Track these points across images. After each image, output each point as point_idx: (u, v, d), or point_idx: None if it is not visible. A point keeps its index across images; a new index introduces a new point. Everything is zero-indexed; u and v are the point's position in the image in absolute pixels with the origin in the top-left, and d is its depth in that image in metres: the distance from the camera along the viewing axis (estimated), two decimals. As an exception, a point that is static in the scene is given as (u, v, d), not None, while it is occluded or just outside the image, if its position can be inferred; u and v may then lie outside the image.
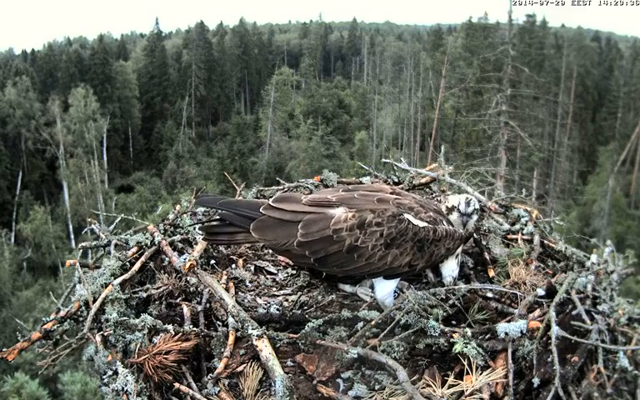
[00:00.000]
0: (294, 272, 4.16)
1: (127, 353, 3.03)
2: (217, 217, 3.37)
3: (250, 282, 4.09)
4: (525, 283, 3.68)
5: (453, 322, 3.36)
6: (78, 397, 17.77)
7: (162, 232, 4.17)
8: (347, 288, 3.72)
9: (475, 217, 3.64)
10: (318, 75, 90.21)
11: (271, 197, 4.95)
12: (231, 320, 3.22)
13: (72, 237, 50.85)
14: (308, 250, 3.15)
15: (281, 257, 4.25)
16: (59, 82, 68.33)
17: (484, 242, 4.14)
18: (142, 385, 2.86)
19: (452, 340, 3.01)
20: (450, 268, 3.65)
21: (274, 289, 4.06)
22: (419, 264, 3.31)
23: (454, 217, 3.61)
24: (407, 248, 3.23)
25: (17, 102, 58.36)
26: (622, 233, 41.47)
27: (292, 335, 3.15)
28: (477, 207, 3.71)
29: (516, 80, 33.67)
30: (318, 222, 3.15)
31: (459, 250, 3.62)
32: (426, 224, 3.29)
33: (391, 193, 3.46)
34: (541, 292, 3.46)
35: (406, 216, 3.24)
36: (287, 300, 3.85)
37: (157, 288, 3.68)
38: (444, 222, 3.41)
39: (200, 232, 3.43)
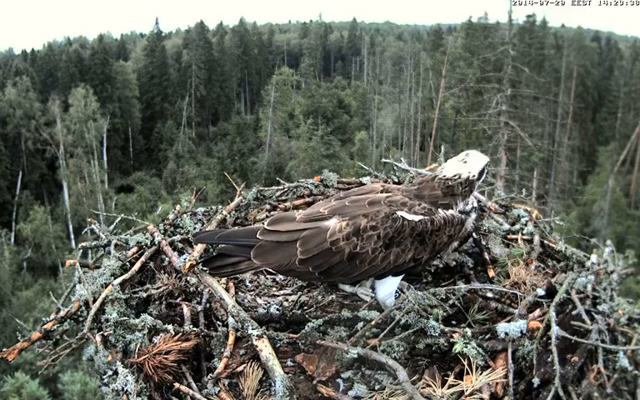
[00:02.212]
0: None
1: (127, 353, 3.03)
2: (217, 252, 3.38)
3: (250, 282, 4.09)
4: (525, 283, 3.68)
5: (453, 322, 3.36)
6: (78, 397, 17.78)
7: (162, 232, 4.17)
8: (347, 288, 3.72)
9: (474, 216, 3.64)
10: (318, 75, 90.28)
11: (270, 197, 4.99)
12: (231, 320, 3.22)
13: (72, 237, 50.87)
14: (311, 266, 3.16)
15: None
16: (59, 82, 68.35)
17: (484, 242, 4.14)
18: (142, 385, 2.86)
19: (452, 340, 3.01)
20: (470, 221, 3.62)
21: (274, 289, 4.06)
22: (424, 256, 3.31)
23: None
24: (408, 244, 3.23)
25: (17, 102, 58.40)
26: (622, 233, 41.49)
27: (292, 335, 3.15)
28: (476, 205, 3.71)
29: (516, 80, 33.70)
30: (315, 238, 3.16)
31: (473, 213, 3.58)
32: (421, 217, 3.28)
33: (381, 191, 3.46)
34: (541, 292, 3.45)
35: (399, 213, 3.24)
36: (287, 300, 3.85)
37: (157, 288, 3.68)
38: (440, 210, 3.40)
39: (204, 268, 3.47)
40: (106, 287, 3.52)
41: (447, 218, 3.36)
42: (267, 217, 4.69)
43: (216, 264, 3.34)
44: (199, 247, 3.89)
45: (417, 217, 3.26)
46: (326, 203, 3.42)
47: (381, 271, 3.25)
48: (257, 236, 3.22)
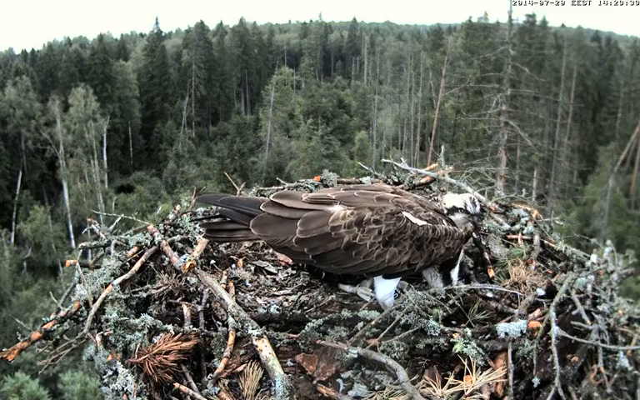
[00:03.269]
0: (294, 272, 4.16)
1: (127, 353, 3.03)
2: (218, 214, 3.36)
3: (250, 282, 4.09)
4: (525, 283, 3.68)
5: (453, 322, 3.36)
6: (78, 397, 17.79)
7: (162, 232, 4.17)
8: (347, 288, 3.72)
9: (484, 215, 3.65)
10: (318, 75, 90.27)
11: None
12: (231, 320, 3.22)
13: (72, 237, 50.85)
14: (307, 247, 3.15)
15: (280, 256, 4.25)
16: (59, 82, 68.31)
17: (484, 242, 4.14)
18: (142, 385, 2.86)
19: (452, 340, 3.01)
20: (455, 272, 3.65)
21: (274, 289, 4.06)
22: (418, 263, 3.30)
23: (459, 217, 3.62)
24: (406, 247, 3.23)
25: (17, 102, 58.35)
26: (622, 233, 41.45)
27: (292, 335, 3.15)
28: (478, 211, 3.71)
29: (516, 80, 33.65)
30: (317, 220, 3.16)
31: (461, 254, 3.61)
32: (425, 223, 3.28)
33: (391, 193, 3.46)
34: (541, 292, 3.46)
35: (405, 214, 3.24)
36: (287, 300, 3.85)
37: (157, 288, 3.68)
38: (444, 222, 3.41)
39: (201, 230, 3.41)
40: (106, 287, 3.52)
41: (448, 230, 3.37)
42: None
43: (213, 227, 3.32)
44: (199, 247, 3.90)
45: (420, 222, 3.26)
46: (334, 190, 3.42)
47: (374, 268, 3.23)
48: (261, 207, 3.22)
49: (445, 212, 3.59)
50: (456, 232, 3.43)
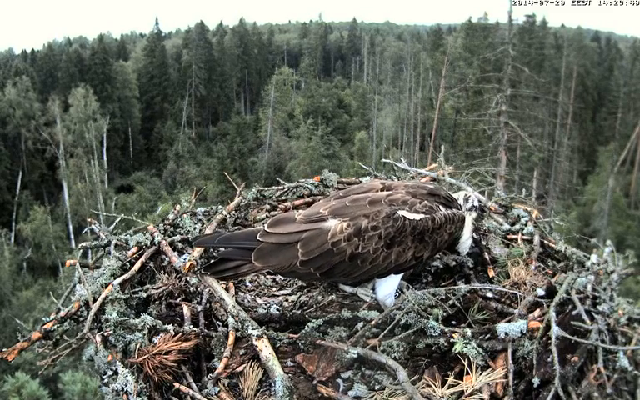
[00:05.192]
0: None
1: (127, 353, 3.03)
2: (219, 258, 3.34)
3: (250, 282, 4.09)
4: (525, 283, 3.68)
5: (453, 322, 3.36)
6: (78, 397, 17.75)
7: (162, 232, 4.17)
8: (347, 288, 3.72)
9: (474, 214, 3.65)
10: (318, 75, 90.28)
11: (270, 197, 4.99)
12: (231, 320, 3.22)
13: (72, 237, 50.84)
14: (313, 267, 3.16)
15: None
16: (59, 82, 68.30)
17: (484, 242, 4.14)
18: (142, 385, 2.86)
19: (452, 340, 3.01)
20: (466, 245, 3.68)
21: (274, 289, 4.06)
22: (424, 255, 3.33)
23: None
24: (409, 243, 3.24)
25: (17, 102, 58.33)
26: (622, 233, 41.44)
27: (292, 335, 3.15)
28: (476, 204, 3.71)
29: (516, 80, 33.66)
30: (316, 239, 3.16)
31: (470, 227, 3.64)
32: (422, 216, 3.29)
33: (382, 189, 3.46)
34: (541, 292, 3.46)
35: (400, 213, 3.25)
36: (287, 300, 3.85)
37: (157, 288, 3.68)
38: (441, 208, 3.41)
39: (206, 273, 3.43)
40: (106, 287, 3.52)
41: (448, 216, 3.38)
42: (267, 217, 4.70)
43: (217, 269, 3.33)
44: (199, 248, 3.89)
45: (418, 216, 3.27)
46: (326, 203, 3.41)
47: (382, 270, 3.25)
48: (258, 238, 3.21)
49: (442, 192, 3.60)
50: (456, 216, 3.44)
